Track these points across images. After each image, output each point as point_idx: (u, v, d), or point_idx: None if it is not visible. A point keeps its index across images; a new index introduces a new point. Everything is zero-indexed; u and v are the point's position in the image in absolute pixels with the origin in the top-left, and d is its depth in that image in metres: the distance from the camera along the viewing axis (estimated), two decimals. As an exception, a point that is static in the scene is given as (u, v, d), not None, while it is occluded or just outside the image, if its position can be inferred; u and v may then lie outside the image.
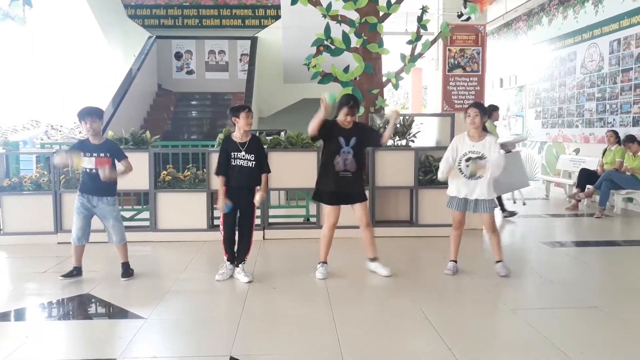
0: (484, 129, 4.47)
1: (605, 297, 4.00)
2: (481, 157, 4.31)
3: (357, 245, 4.91)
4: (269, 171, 4.54)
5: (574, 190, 8.61)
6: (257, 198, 4.42)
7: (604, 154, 8.27)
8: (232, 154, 4.38)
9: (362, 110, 5.75)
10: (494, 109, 7.07)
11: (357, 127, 4.50)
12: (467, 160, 4.37)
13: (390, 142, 6.05)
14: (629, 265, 5.11)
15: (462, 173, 4.40)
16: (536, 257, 5.26)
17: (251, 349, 3.06)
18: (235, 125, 4.42)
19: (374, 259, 4.60)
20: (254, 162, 4.39)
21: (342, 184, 4.41)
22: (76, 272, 4.44)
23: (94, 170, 4.27)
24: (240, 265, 4.47)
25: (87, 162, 4.28)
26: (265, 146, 6.07)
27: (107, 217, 4.39)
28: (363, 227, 4.55)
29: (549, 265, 4.92)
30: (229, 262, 4.50)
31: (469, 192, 4.39)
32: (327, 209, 4.51)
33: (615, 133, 8.11)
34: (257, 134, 6.34)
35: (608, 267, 5.07)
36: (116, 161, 4.40)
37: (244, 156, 4.36)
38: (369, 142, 4.64)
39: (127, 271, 4.48)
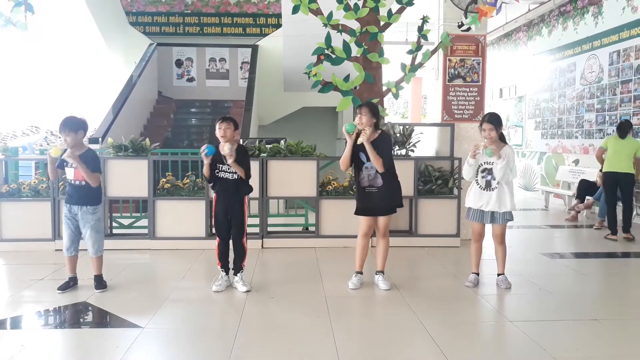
0: (502, 139, 4.42)
1: (605, 309, 3.98)
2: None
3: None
4: (248, 177, 4.39)
5: (574, 201, 8.61)
6: (226, 149, 4.11)
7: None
8: (218, 165, 4.32)
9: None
10: (629, 126, 6.86)
11: (380, 140, 4.34)
12: (483, 171, 4.37)
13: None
14: (629, 277, 5.10)
15: (478, 184, 4.41)
16: (535, 268, 5.24)
17: (249, 359, 3.04)
18: None
19: (378, 272, 4.56)
20: (236, 175, 4.32)
21: (368, 200, 4.39)
22: (72, 282, 4.42)
23: (72, 181, 4.28)
24: (238, 274, 4.45)
25: (68, 173, 4.29)
26: (264, 154, 6.09)
27: (85, 226, 4.32)
28: (379, 236, 4.52)
29: (548, 277, 4.90)
30: (223, 272, 4.48)
31: (484, 203, 4.37)
32: (359, 218, 4.51)
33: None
34: (257, 142, 6.36)
35: (608, 279, 5.06)
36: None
37: (228, 169, 4.30)
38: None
39: (101, 283, 4.39)
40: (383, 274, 4.54)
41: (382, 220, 4.45)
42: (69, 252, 4.38)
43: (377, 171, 4.30)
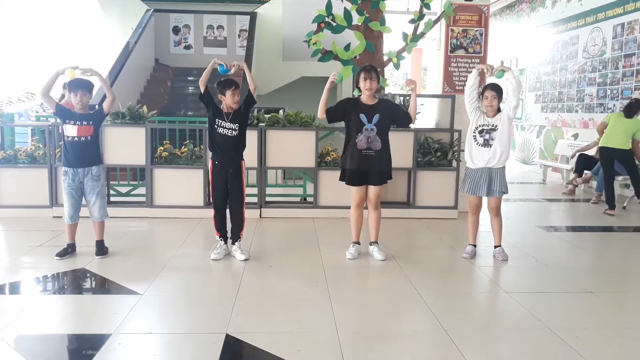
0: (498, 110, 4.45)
1: (600, 281, 4.02)
2: (494, 129, 4.32)
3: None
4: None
5: (572, 175, 8.62)
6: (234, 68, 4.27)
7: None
8: (217, 120, 4.32)
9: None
10: (639, 106, 6.74)
11: (382, 104, 4.37)
12: (482, 132, 4.37)
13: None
14: (625, 250, 5.13)
15: (476, 141, 4.40)
16: (532, 241, 5.27)
17: (247, 327, 3.06)
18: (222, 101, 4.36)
19: (372, 243, 4.58)
20: (236, 132, 4.33)
21: (363, 163, 4.31)
22: (70, 249, 4.42)
23: (76, 139, 4.23)
24: (236, 243, 4.46)
25: (69, 130, 4.25)
26: (263, 124, 6.05)
27: (90, 192, 4.35)
28: (371, 208, 4.50)
29: (544, 250, 4.94)
30: (222, 241, 4.49)
31: (483, 159, 4.36)
32: (352, 189, 4.46)
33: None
34: (255, 112, 6.31)
35: (603, 252, 5.09)
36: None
37: (228, 125, 4.30)
38: (397, 121, 4.45)
39: (102, 249, 4.44)
40: (377, 244, 4.56)
41: (373, 190, 4.42)
42: (72, 220, 4.38)
43: (377, 133, 4.27)
